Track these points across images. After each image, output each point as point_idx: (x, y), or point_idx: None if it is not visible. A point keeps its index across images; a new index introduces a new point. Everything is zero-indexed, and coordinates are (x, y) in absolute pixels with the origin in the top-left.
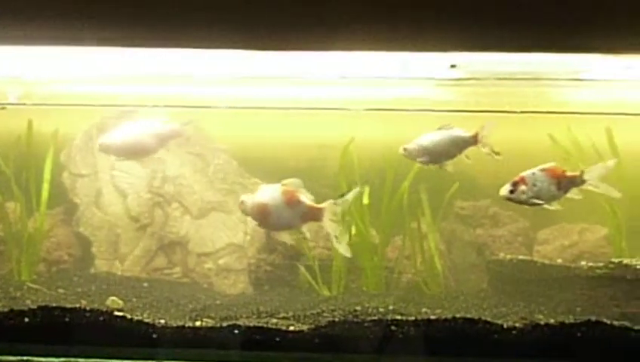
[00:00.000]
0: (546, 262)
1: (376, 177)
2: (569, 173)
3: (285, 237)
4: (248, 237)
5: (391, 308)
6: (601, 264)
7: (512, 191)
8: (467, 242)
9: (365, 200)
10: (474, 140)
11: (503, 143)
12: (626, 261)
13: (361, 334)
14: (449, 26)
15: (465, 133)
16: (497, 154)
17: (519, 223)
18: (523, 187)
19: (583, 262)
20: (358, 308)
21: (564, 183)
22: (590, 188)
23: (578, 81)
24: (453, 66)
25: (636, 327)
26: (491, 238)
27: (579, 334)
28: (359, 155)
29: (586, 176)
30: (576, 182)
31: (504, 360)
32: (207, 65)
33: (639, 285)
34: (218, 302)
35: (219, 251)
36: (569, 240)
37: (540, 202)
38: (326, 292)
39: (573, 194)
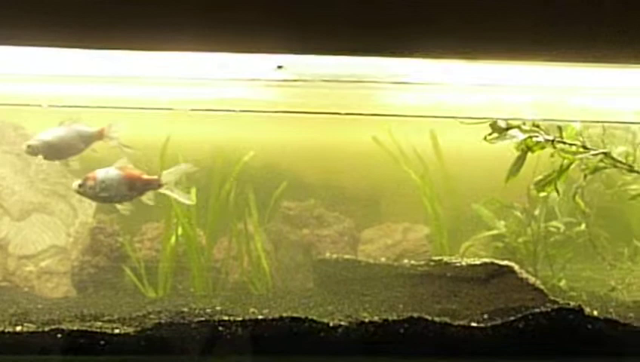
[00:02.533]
0: (370, 261)
1: (202, 178)
2: (145, 176)
3: None
4: (71, 239)
5: (218, 308)
6: (422, 262)
7: (80, 186)
8: (294, 242)
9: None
10: (99, 135)
11: (326, 144)
12: (446, 259)
13: (188, 335)
14: (275, 28)
15: (89, 128)
16: (127, 147)
17: (345, 223)
18: (91, 183)
19: (406, 261)
20: (185, 309)
21: (138, 185)
22: (167, 192)
23: (400, 84)
24: (279, 67)
25: (456, 323)
26: (317, 238)
27: (401, 330)
28: (185, 155)
29: (163, 181)
30: (153, 185)
31: (330, 358)
32: (26, 63)
33: (458, 282)
34: (40, 306)
35: (40, 253)
36: (392, 240)
37: (104, 198)
38: (152, 294)
39: (148, 198)
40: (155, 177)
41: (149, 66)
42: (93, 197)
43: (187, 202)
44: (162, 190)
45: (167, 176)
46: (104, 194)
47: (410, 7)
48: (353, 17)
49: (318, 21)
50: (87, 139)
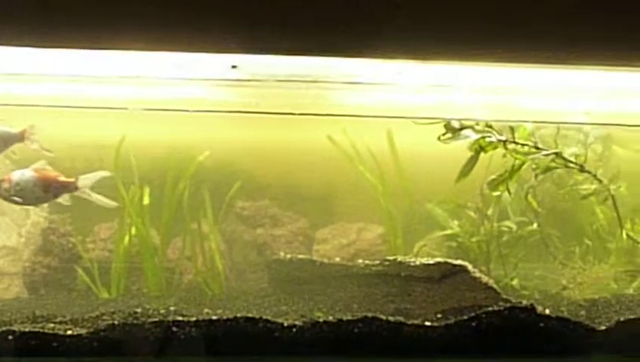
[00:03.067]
0: (325, 260)
1: (156, 178)
2: (61, 179)
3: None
4: (23, 240)
5: (172, 309)
6: (377, 262)
7: None
8: (248, 242)
9: (145, 201)
10: (20, 137)
11: (281, 144)
12: (400, 258)
13: (142, 336)
14: (230, 28)
15: (10, 129)
16: (48, 151)
17: (299, 223)
18: (7, 185)
19: (360, 261)
20: (139, 310)
21: (53, 187)
22: (84, 196)
23: (354, 84)
24: (234, 67)
25: (410, 322)
26: (272, 238)
27: (356, 330)
28: (139, 155)
29: (79, 184)
30: (70, 188)
31: (285, 358)
32: None
33: (412, 281)
34: None
35: None
36: (347, 239)
37: (20, 200)
38: (105, 295)
39: (64, 200)
40: (72, 180)
41: (104, 66)
42: (8, 198)
43: (107, 206)
44: (78, 193)
45: (84, 180)
46: (19, 196)
47: (363, 7)
48: (307, 17)
49: (272, 21)
50: (7, 141)
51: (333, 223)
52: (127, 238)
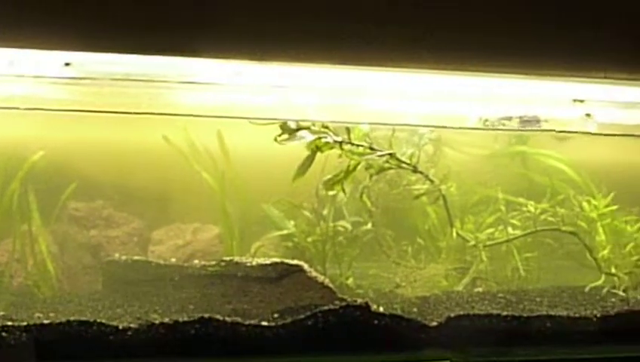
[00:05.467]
0: (161, 262)
1: None
2: None
3: None
4: None
5: (1, 314)
6: (213, 262)
7: None
8: (81, 244)
9: None
10: None
11: (117, 144)
12: (236, 259)
13: None
14: (63, 24)
15: None
16: None
17: (134, 224)
18: None
19: (196, 261)
20: None
21: None
22: None
23: (191, 84)
24: (67, 65)
25: (247, 322)
26: (106, 239)
27: (193, 331)
28: None
29: None
30: None
31: (120, 361)
32: None
33: (249, 282)
34: None
35: None
36: (183, 240)
37: None
38: None
39: None
40: None
41: None
42: None
43: None
44: None
45: None
46: None
47: (201, 6)
48: (143, 16)
49: (107, 19)
50: None
51: (168, 224)
52: None
